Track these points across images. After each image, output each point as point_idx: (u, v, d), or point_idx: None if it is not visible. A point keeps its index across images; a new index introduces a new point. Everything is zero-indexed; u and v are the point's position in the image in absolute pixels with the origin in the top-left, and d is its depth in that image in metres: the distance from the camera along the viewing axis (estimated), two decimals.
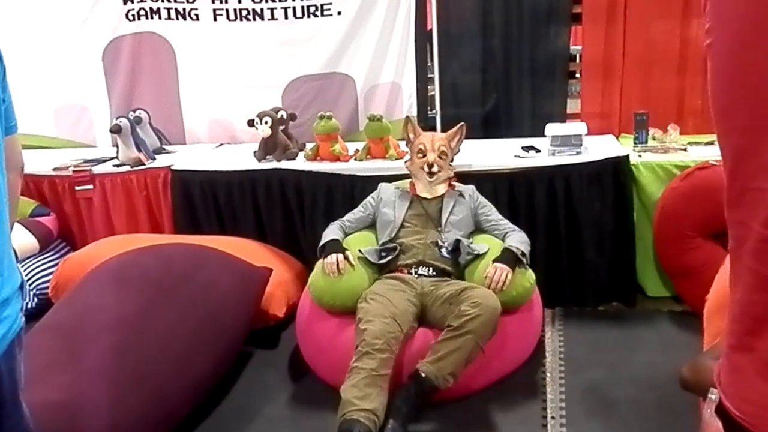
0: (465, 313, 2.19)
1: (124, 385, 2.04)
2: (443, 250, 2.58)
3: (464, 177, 2.98)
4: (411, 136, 2.80)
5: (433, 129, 3.66)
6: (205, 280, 2.54)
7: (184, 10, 3.76)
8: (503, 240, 2.63)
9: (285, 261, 3.14)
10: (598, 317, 3.02)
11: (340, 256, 2.52)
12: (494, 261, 2.46)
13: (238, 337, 2.60)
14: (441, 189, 2.75)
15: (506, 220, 2.74)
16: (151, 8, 3.79)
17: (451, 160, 2.79)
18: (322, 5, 3.64)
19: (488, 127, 3.75)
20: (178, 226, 3.40)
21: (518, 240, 2.58)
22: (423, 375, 2.19)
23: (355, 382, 2.11)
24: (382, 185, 2.86)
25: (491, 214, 2.75)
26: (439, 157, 2.69)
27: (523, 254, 2.50)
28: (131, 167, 3.42)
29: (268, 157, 3.40)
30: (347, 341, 2.35)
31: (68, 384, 1.98)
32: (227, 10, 3.72)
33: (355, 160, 3.26)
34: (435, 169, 2.68)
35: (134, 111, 3.76)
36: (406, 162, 2.82)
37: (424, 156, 2.69)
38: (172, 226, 3.42)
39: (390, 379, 2.16)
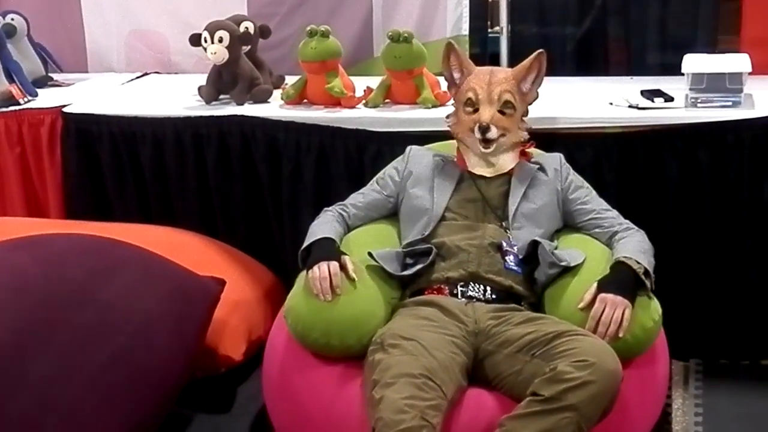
0: (565, 377, 2.12)
1: None
2: (510, 258, 2.56)
3: (546, 140, 2.94)
4: (456, 74, 2.77)
5: (496, 61, 3.64)
6: (115, 298, 2.55)
7: None
8: (610, 245, 2.61)
9: (247, 269, 3.16)
10: (761, 378, 3.03)
11: (335, 265, 2.50)
12: (600, 284, 2.41)
13: (166, 393, 2.61)
14: (508, 161, 2.72)
15: (614, 212, 2.72)
16: None
17: (524, 114, 2.75)
18: None
19: (587, 59, 3.79)
20: (72, 207, 3.43)
21: (636, 247, 2.52)
22: None
23: None
24: (413, 150, 2.86)
25: (590, 200, 2.73)
26: (502, 112, 2.66)
27: (647, 272, 2.44)
28: None
29: (223, 96, 3.41)
30: (351, 407, 2.33)
31: None
32: None
33: (367, 105, 3.27)
34: (493, 133, 2.63)
35: (3, 16, 3.76)
36: (448, 119, 2.81)
37: (476, 110, 2.66)
38: (62, 206, 3.44)
39: None
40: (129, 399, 2.43)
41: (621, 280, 2.40)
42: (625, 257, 2.45)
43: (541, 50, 2.72)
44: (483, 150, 2.66)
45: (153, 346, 2.54)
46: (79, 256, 2.64)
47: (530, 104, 2.76)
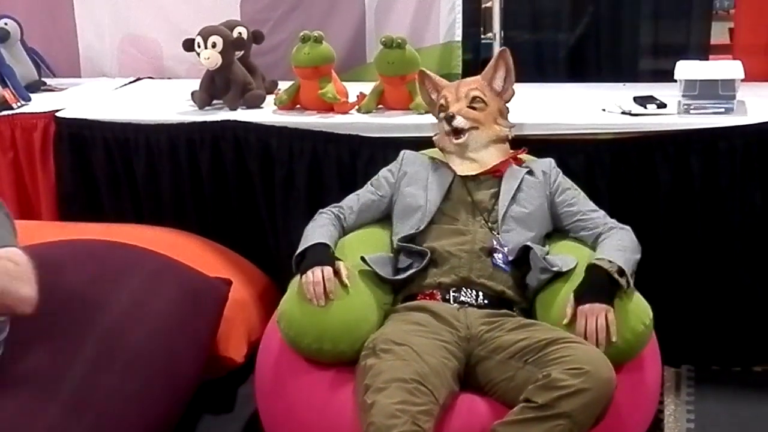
0: (559, 384, 2.11)
1: None
2: (499, 257, 2.57)
3: (539, 146, 2.96)
4: (433, 95, 2.91)
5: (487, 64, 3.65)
6: (126, 301, 2.56)
7: None
8: (596, 246, 2.61)
9: (243, 270, 3.15)
10: (753, 384, 3.02)
11: (329, 270, 2.50)
12: (576, 296, 2.39)
13: (183, 394, 2.63)
14: (488, 156, 2.74)
15: (601, 212, 2.72)
16: None
17: (504, 112, 2.81)
18: None
19: (579, 65, 3.78)
20: (65, 211, 3.42)
21: (614, 245, 2.51)
22: None
23: None
24: (407, 153, 2.89)
25: (576, 202, 2.74)
26: (473, 108, 2.73)
27: (621, 271, 2.41)
28: None
29: (216, 102, 3.41)
30: (343, 412, 2.31)
31: None
32: None
33: (360, 111, 3.27)
34: (459, 122, 2.70)
35: None
36: (435, 137, 2.87)
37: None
38: (55, 211, 3.44)
39: None
40: (148, 402, 2.44)
41: (595, 284, 2.39)
42: (597, 259, 2.45)
43: (503, 48, 2.86)
44: (454, 141, 2.71)
45: (167, 347, 2.55)
46: (87, 261, 2.65)
47: (508, 101, 2.83)
